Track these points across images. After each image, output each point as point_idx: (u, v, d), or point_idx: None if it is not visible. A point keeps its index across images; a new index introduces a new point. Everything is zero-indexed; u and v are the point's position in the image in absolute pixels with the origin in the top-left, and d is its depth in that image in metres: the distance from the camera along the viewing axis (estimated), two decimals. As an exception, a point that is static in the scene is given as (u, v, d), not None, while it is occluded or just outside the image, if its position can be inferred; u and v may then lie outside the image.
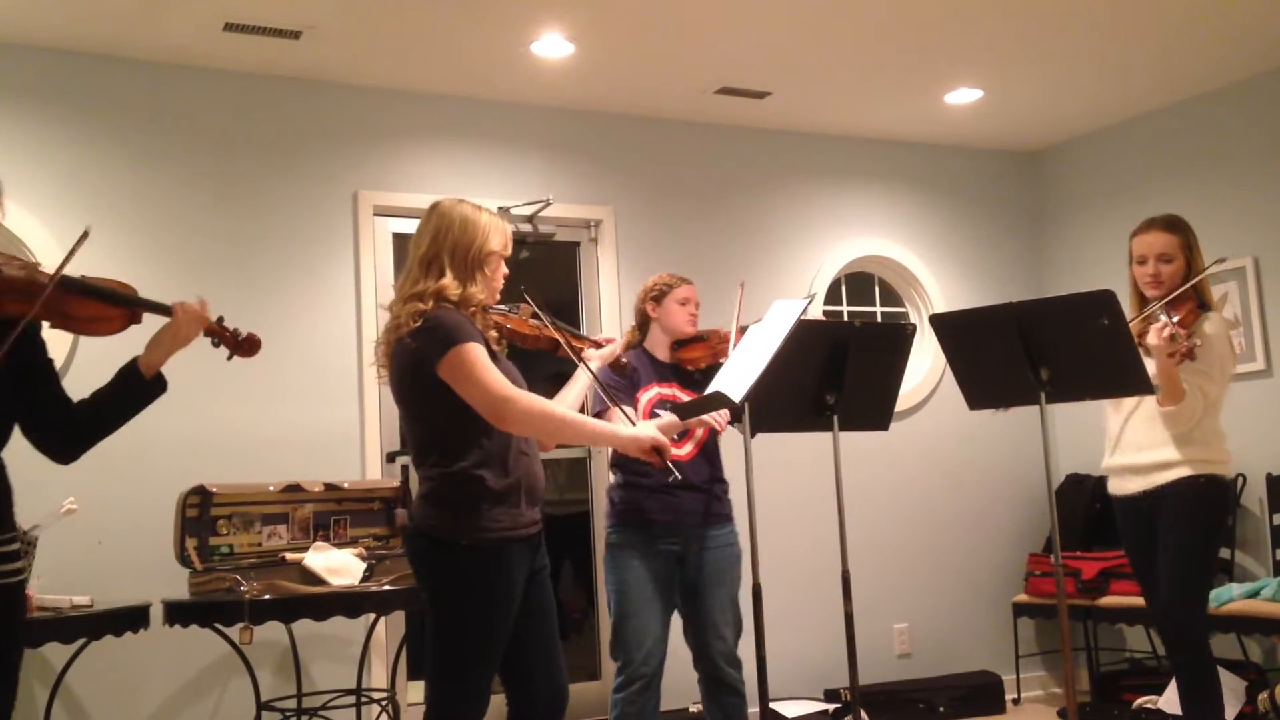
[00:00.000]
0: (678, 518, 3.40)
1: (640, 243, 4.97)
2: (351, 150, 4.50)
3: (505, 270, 2.70)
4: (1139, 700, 4.72)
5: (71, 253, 2.22)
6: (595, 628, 4.80)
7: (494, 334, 2.69)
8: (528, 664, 2.63)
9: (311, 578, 3.60)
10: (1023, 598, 5.30)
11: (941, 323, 3.22)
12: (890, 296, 5.68)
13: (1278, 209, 4.82)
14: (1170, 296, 3.28)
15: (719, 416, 3.26)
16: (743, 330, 3.48)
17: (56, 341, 3.59)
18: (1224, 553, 4.71)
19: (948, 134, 5.55)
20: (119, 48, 4.08)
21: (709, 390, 2.90)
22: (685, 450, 3.45)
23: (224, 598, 3.48)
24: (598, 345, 3.25)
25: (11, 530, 2.24)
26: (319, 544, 3.78)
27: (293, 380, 4.25)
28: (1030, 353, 2.96)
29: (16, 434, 2.28)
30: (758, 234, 5.24)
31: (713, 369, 3.54)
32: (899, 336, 3.23)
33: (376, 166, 4.53)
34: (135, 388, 2.38)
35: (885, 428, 3.23)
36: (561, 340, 2.95)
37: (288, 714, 3.88)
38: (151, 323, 2.45)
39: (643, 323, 3.60)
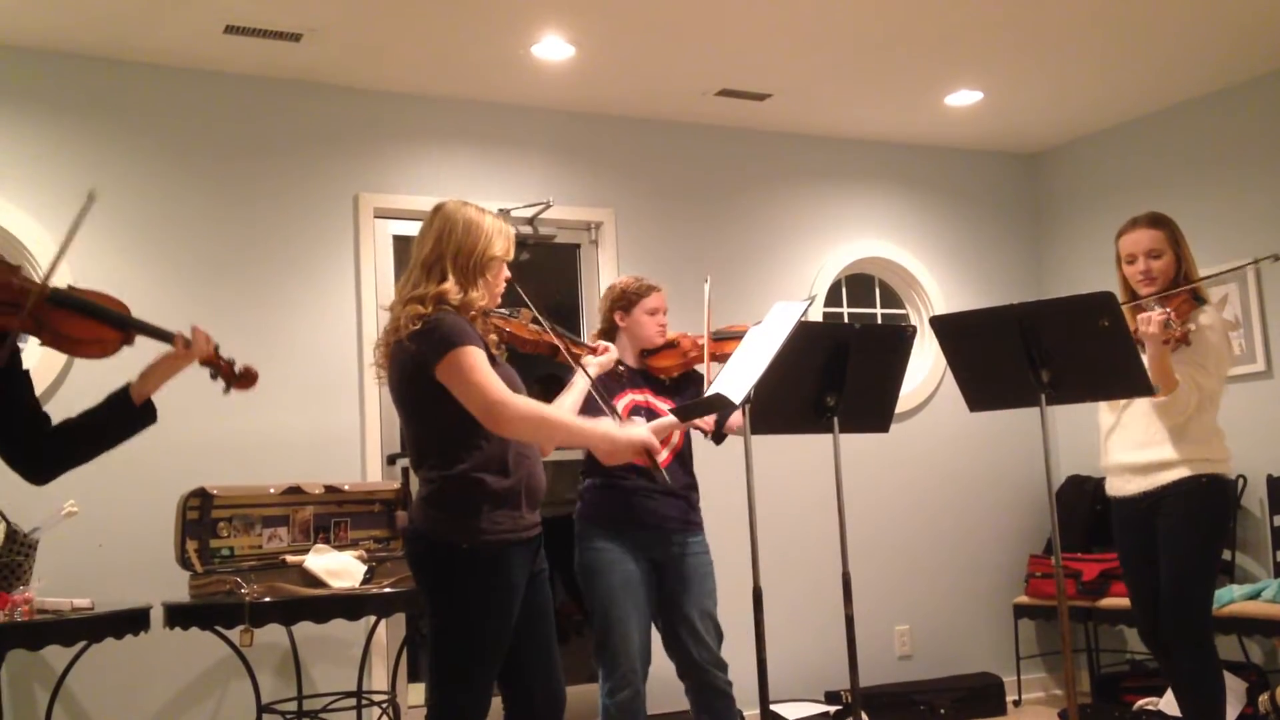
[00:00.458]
0: (657, 521, 3.37)
1: (641, 245, 4.98)
2: (352, 153, 4.50)
3: (507, 274, 2.70)
4: (1140, 702, 4.71)
5: (78, 221, 2.15)
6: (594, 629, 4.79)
7: (494, 338, 2.69)
8: (526, 666, 2.63)
9: (312, 580, 3.60)
10: (1023, 599, 5.30)
11: (942, 324, 3.22)
12: (890, 298, 5.69)
13: (1278, 210, 4.83)
14: (1167, 293, 3.28)
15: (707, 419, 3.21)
16: (719, 338, 3.47)
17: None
18: (1225, 554, 4.71)
19: (948, 136, 5.56)
20: (119, 50, 4.09)
21: (709, 391, 2.90)
22: (661, 456, 3.39)
23: (224, 600, 3.48)
24: (594, 352, 3.25)
25: None
26: (319, 546, 3.78)
27: (293, 382, 4.25)
28: (1031, 354, 2.96)
29: None
30: (758, 236, 5.24)
31: (684, 377, 3.53)
32: (899, 338, 3.23)
33: (377, 169, 4.53)
34: (123, 414, 2.30)
35: (886, 429, 3.23)
36: (561, 346, 2.95)
37: (288, 716, 3.87)
38: (144, 344, 2.38)
39: (609, 329, 3.52)
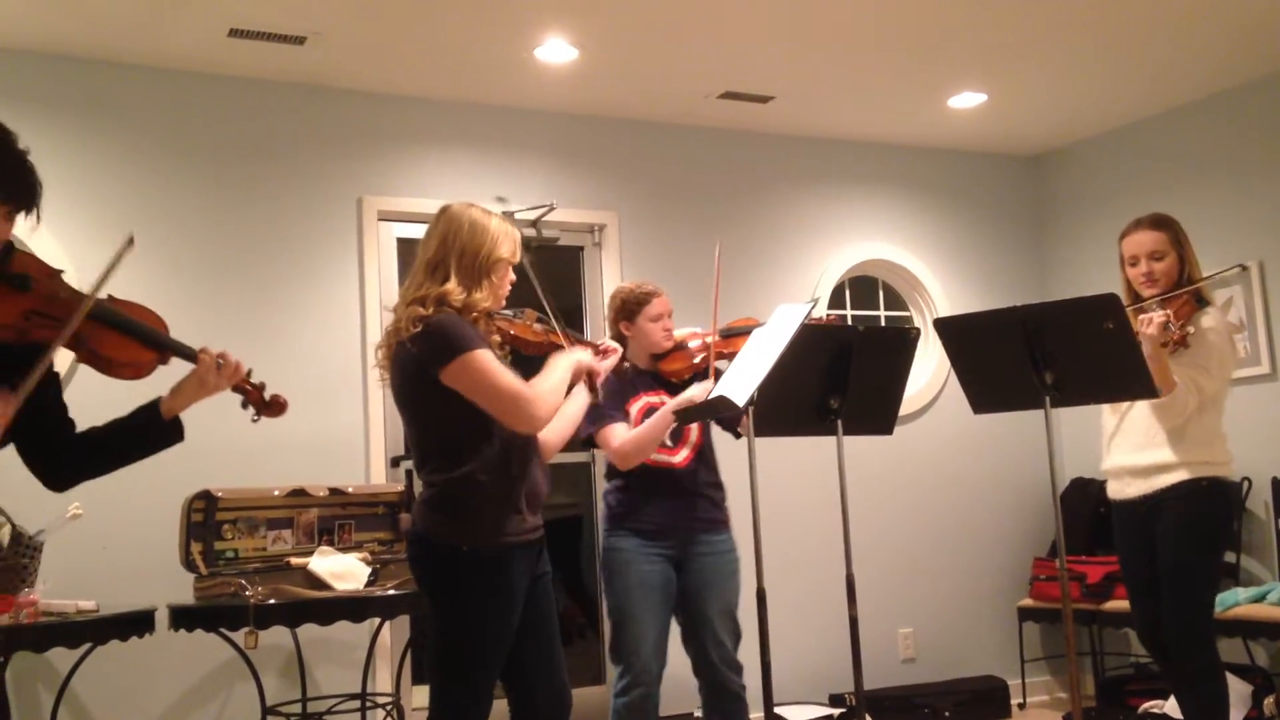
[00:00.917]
0: (674, 522, 3.38)
1: (644, 247, 4.98)
2: (356, 155, 4.51)
3: (513, 277, 2.70)
4: (1144, 705, 4.70)
5: (114, 264, 2.10)
6: (599, 632, 4.80)
7: (496, 339, 2.69)
8: (529, 668, 2.63)
9: (316, 582, 3.60)
10: (1028, 602, 5.30)
11: (946, 327, 3.22)
12: (894, 300, 5.68)
13: (1281, 213, 4.83)
14: (1167, 294, 3.28)
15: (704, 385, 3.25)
16: (727, 336, 3.48)
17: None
18: (1230, 557, 4.70)
19: (951, 138, 5.56)
20: (123, 54, 4.10)
21: (713, 394, 2.90)
22: (681, 456, 3.43)
23: (229, 602, 3.48)
24: (599, 350, 3.25)
25: None
26: (323, 548, 3.78)
27: (297, 385, 4.19)
28: (1034, 356, 2.96)
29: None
30: (761, 238, 5.24)
31: (697, 377, 3.54)
32: (903, 340, 3.22)
33: (381, 171, 4.54)
34: (152, 429, 2.25)
35: (889, 432, 3.23)
36: (567, 346, 2.95)
37: (292, 718, 3.88)
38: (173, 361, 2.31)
39: (618, 337, 3.53)
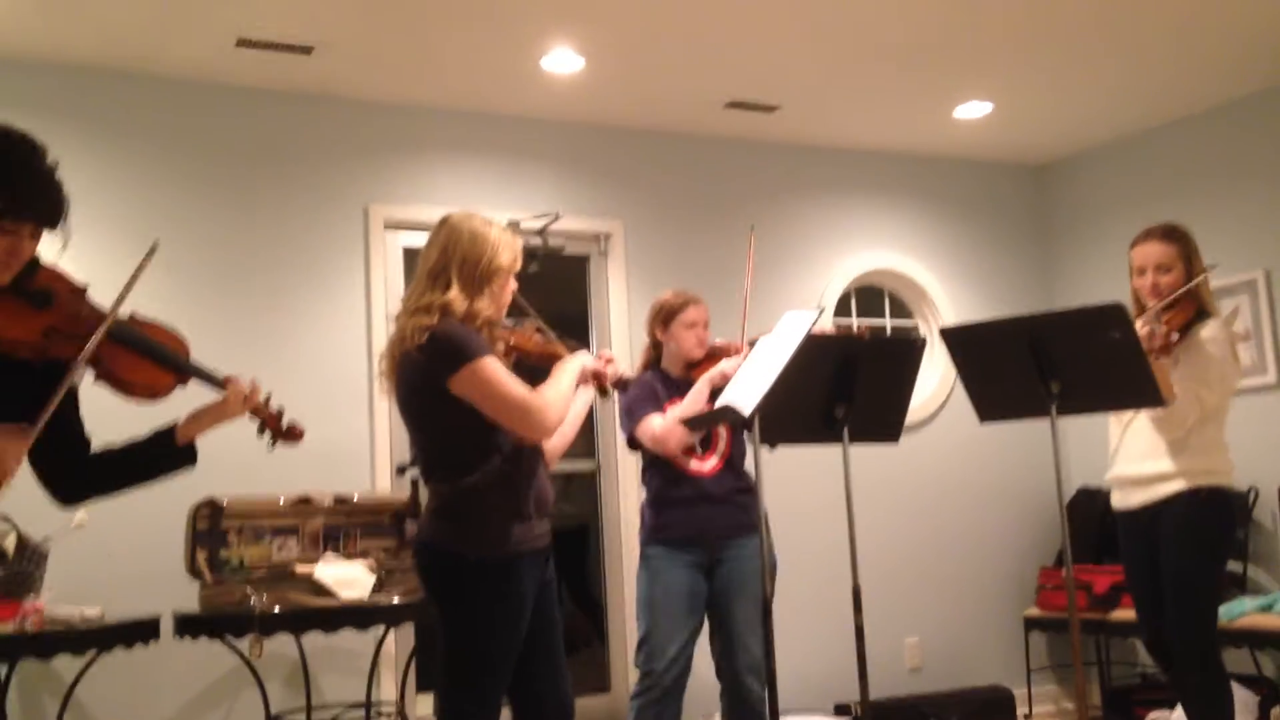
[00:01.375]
0: (703, 530, 3.43)
1: (650, 256, 4.98)
2: (363, 164, 4.52)
3: (514, 285, 2.70)
4: (1151, 715, 4.68)
5: (135, 278, 2.07)
6: (605, 640, 4.79)
7: (500, 348, 2.69)
8: (534, 676, 2.63)
9: (321, 590, 3.60)
10: (1034, 612, 5.28)
11: (952, 336, 3.22)
12: (900, 310, 5.68)
13: (1288, 222, 4.82)
14: (1166, 301, 3.26)
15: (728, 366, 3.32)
16: (751, 343, 3.49)
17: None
18: (1236, 566, 4.68)
19: (957, 147, 5.56)
20: (131, 64, 4.11)
21: (719, 403, 2.91)
22: (710, 464, 3.47)
23: (234, 610, 3.49)
24: (601, 358, 3.25)
25: None
26: (329, 556, 3.78)
27: (303, 393, 4.23)
28: (1041, 366, 2.96)
29: None
30: (767, 247, 5.23)
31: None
32: (909, 349, 3.22)
33: (387, 181, 4.55)
34: (167, 455, 2.24)
35: (896, 440, 3.23)
36: (566, 354, 2.95)
37: (297, 727, 3.88)
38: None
39: (655, 343, 3.63)
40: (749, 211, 5.23)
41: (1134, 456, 3.34)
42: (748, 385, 2.84)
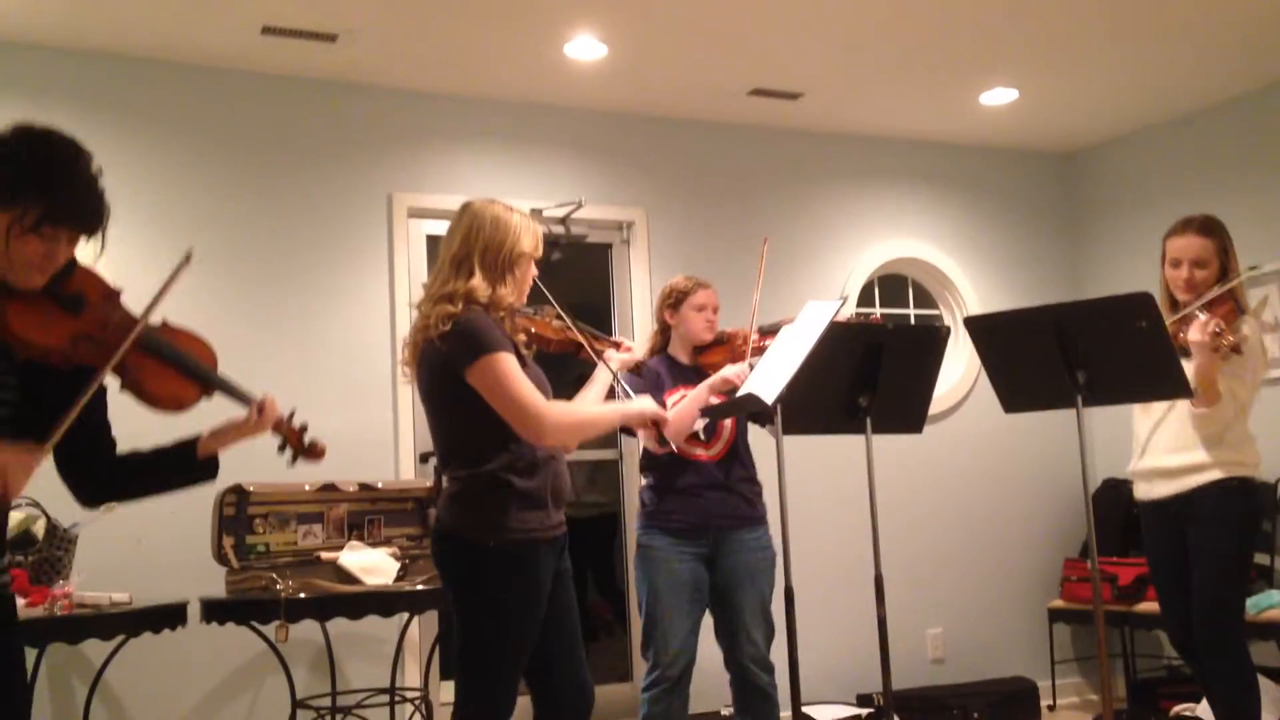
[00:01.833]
0: (705, 519, 3.39)
1: (672, 245, 4.97)
2: (386, 152, 4.53)
3: (535, 272, 2.70)
4: (1176, 708, 4.65)
5: (167, 286, 2.05)
6: (627, 629, 4.80)
7: (522, 337, 2.69)
8: (552, 663, 2.64)
9: (346, 577, 3.63)
10: (1059, 603, 5.25)
11: (977, 325, 3.20)
12: (924, 299, 5.65)
13: (1320, 210, 4.75)
14: (1209, 297, 3.23)
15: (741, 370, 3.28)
16: (766, 332, 3.48)
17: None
18: (1264, 558, 4.64)
19: (983, 135, 5.51)
20: (157, 52, 4.13)
21: (741, 391, 2.90)
22: (715, 450, 3.45)
23: (260, 596, 3.51)
24: (618, 347, 3.26)
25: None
26: (353, 543, 3.81)
27: (328, 381, 4.28)
28: (1067, 356, 2.93)
29: None
30: (790, 236, 5.22)
31: None
32: (933, 339, 3.21)
33: (411, 169, 4.56)
34: (188, 466, 2.25)
35: (919, 430, 3.21)
36: (585, 343, 2.96)
37: (322, 712, 3.91)
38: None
39: (663, 328, 3.60)
40: (772, 199, 5.22)
41: (1164, 449, 3.32)
42: (770, 374, 2.83)
